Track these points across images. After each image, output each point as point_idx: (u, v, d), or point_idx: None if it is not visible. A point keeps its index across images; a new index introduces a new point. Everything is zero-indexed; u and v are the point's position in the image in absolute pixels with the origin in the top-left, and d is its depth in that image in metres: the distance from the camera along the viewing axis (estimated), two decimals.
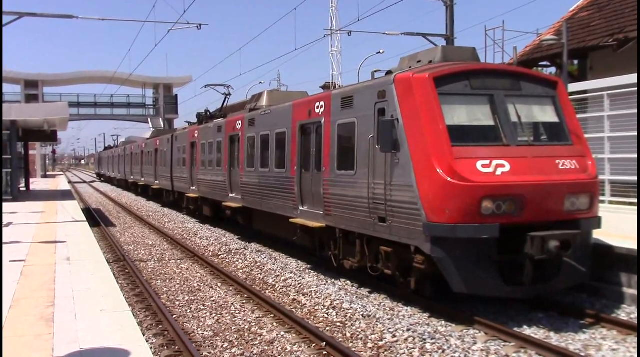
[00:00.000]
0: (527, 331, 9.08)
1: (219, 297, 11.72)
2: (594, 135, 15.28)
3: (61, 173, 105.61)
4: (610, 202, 15.24)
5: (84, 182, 73.58)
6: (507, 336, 8.76)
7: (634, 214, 13.76)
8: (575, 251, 9.28)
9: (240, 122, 18.70)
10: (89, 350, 6.33)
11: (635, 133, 14.41)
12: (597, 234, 10.56)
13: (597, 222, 10.12)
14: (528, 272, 9.28)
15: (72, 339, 6.66)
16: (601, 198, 12.86)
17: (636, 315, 9.76)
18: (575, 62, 23.14)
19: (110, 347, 6.41)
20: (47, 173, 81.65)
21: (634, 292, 10.22)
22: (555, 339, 8.79)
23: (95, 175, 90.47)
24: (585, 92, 17.09)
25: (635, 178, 14.01)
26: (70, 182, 65.68)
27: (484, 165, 9.32)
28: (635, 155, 13.96)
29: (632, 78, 14.82)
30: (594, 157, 10.53)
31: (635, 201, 14.67)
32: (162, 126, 69.39)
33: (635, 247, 10.28)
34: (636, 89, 14.20)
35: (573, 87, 17.34)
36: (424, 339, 8.61)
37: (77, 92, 76.15)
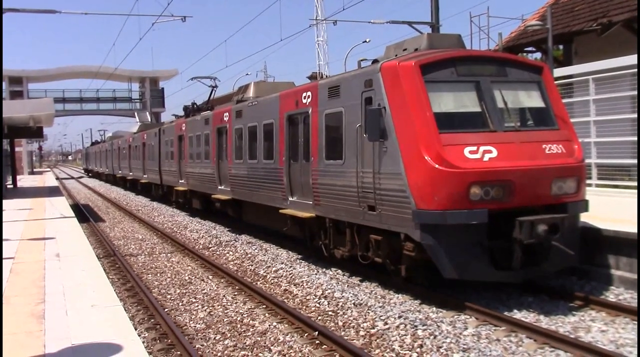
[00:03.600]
0: (518, 314, 9.16)
1: (210, 289, 11.72)
2: (580, 119, 15.38)
3: (48, 169, 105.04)
4: (597, 185, 15.37)
5: (72, 178, 73.14)
6: (498, 320, 8.84)
7: (621, 197, 13.91)
8: (563, 234, 9.36)
9: (227, 114, 18.64)
10: (81, 345, 6.32)
11: (620, 116, 14.52)
12: (584, 217, 10.65)
13: (584, 206, 10.21)
14: (517, 257, 9.35)
15: (63, 335, 6.64)
16: (588, 181, 12.98)
17: (624, 296, 9.88)
18: (560, 47, 23.23)
19: (101, 342, 6.39)
20: (34, 170, 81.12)
21: (622, 273, 10.33)
22: (545, 322, 8.87)
23: (82, 171, 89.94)
24: (570, 76, 17.20)
25: (621, 161, 14.14)
26: (57, 178, 65.27)
27: (471, 152, 9.36)
28: (621, 138, 14.09)
29: (616, 61, 14.93)
30: (580, 141, 10.60)
31: (621, 183, 14.82)
32: (149, 120, 69.02)
33: (624, 229, 10.38)
34: (624, 71, 14.29)
35: (558, 72, 17.43)
36: (416, 326, 8.67)
37: (62, 88, 75.66)
